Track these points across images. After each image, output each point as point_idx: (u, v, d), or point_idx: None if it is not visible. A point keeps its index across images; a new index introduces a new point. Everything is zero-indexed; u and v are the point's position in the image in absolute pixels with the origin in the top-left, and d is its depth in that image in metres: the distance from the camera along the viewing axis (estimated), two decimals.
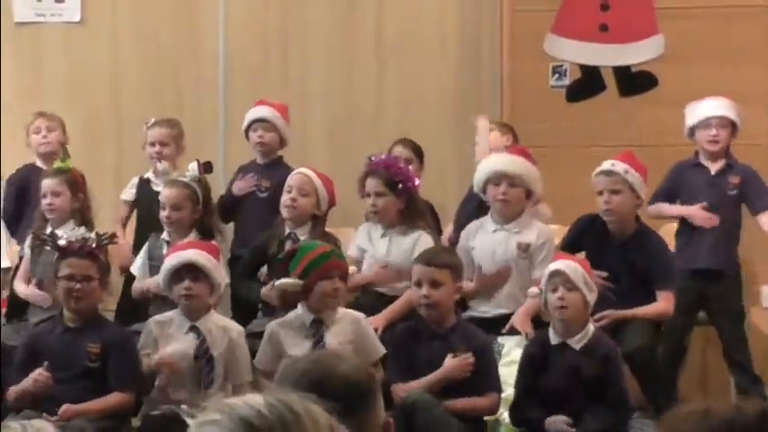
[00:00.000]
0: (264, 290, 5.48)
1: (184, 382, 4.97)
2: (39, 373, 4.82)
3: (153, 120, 6.29)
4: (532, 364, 4.95)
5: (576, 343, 4.91)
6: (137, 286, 5.64)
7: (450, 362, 4.83)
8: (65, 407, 4.77)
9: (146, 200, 6.09)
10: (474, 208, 5.82)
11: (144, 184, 6.21)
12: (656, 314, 5.44)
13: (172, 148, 6.18)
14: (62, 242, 4.99)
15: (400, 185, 5.53)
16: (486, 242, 5.56)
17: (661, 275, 5.44)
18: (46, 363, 4.84)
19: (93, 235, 5.13)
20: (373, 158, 5.75)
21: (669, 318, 5.60)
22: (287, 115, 6.32)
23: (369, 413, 2.29)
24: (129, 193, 6.29)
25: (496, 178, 5.54)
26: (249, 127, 6.27)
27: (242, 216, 6.17)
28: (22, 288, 5.73)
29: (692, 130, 5.93)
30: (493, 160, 5.61)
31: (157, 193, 5.84)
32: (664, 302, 5.44)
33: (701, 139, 5.85)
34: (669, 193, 5.89)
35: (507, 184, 5.52)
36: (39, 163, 6.30)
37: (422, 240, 5.50)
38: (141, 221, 6.17)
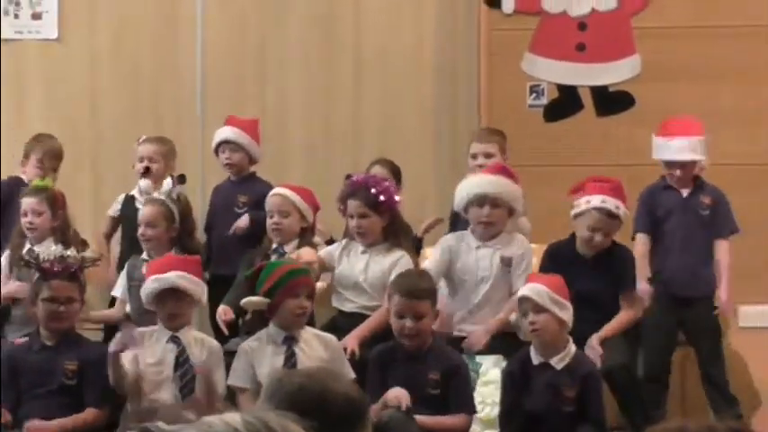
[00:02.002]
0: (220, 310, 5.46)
1: (162, 391, 4.98)
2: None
3: (144, 136, 6.32)
4: (514, 384, 4.98)
5: (558, 363, 4.95)
6: (5, 290, 5.67)
7: (390, 392, 4.82)
8: (29, 424, 4.81)
9: (129, 217, 6.11)
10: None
11: (128, 202, 6.24)
12: (629, 322, 5.52)
13: (160, 165, 6.21)
14: (45, 264, 4.99)
15: (382, 204, 5.56)
16: (470, 258, 5.58)
17: (624, 280, 5.56)
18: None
19: (72, 253, 5.14)
20: (353, 177, 5.78)
21: (650, 342, 5.69)
22: (256, 132, 6.37)
23: None
24: (114, 208, 6.34)
25: (479, 200, 5.57)
26: (218, 148, 6.33)
27: (219, 232, 6.20)
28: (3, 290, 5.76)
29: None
30: (475, 181, 5.63)
31: (138, 210, 5.88)
32: (628, 308, 5.54)
33: (668, 174, 5.88)
34: (650, 221, 5.84)
35: (490, 206, 5.55)
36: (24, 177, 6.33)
37: (401, 263, 5.53)
38: (125, 239, 6.20)
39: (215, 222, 6.27)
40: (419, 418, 4.82)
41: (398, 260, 5.53)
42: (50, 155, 6.31)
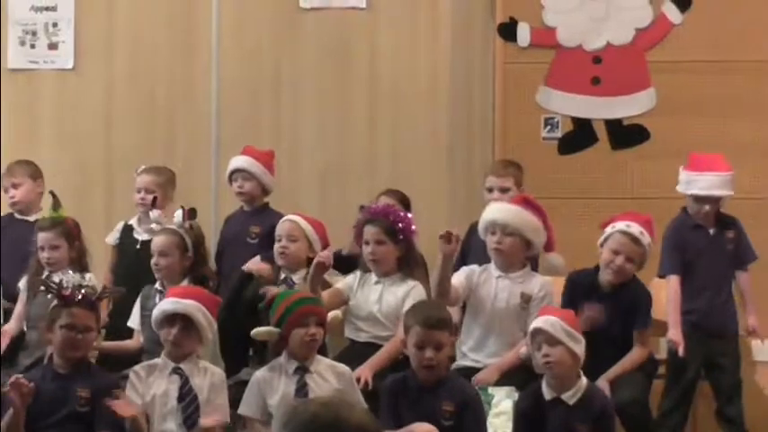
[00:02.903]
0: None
1: (167, 422, 5.00)
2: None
3: (143, 167, 6.38)
4: (527, 421, 4.95)
5: (570, 398, 4.91)
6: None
7: (419, 426, 4.81)
8: None
9: (126, 246, 6.14)
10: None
11: (127, 231, 6.26)
12: (638, 360, 5.50)
13: (159, 196, 6.21)
14: (66, 291, 5.05)
15: (400, 234, 5.59)
16: (489, 287, 5.60)
17: (640, 317, 5.52)
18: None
19: (89, 282, 5.17)
20: (366, 207, 5.82)
21: (680, 377, 5.68)
22: (271, 163, 6.40)
23: None
24: (112, 237, 6.35)
25: (491, 227, 5.60)
26: (231, 176, 6.38)
27: (231, 263, 6.20)
28: (10, 325, 5.80)
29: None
30: (489, 209, 5.67)
31: (137, 241, 5.98)
32: (640, 346, 5.52)
33: (694, 210, 5.81)
34: (680, 265, 5.74)
35: (501, 233, 5.57)
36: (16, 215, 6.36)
37: (414, 292, 5.54)
38: (117, 267, 6.21)
39: (226, 252, 6.29)
40: None
41: (411, 290, 5.55)
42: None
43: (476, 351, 5.59)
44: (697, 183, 5.77)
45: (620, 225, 5.53)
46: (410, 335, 4.95)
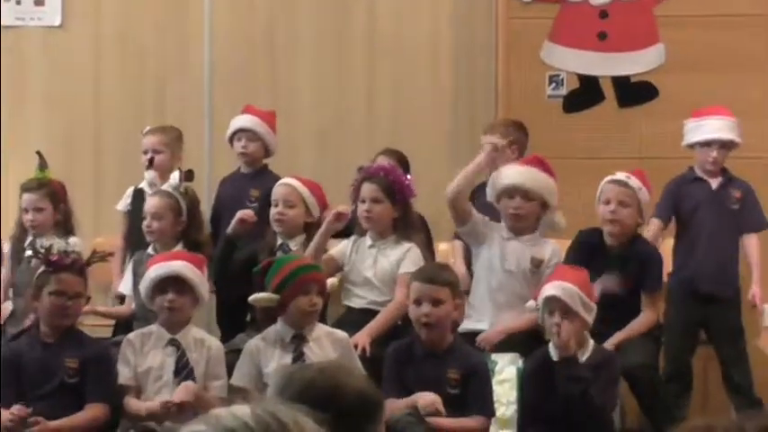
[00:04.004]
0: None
1: (162, 396, 4.95)
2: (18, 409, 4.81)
3: (148, 127, 6.30)
4: (536, 383, 4.96)
5: (578, 358, 4.93)
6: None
7: (422, 395, 4.81)
8: (40, 426, 4.78)
9: (138, 212, 6.08)
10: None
11: (138, 196, 6.18)
12: (647, 324, 5.50)
13: (166, 156, 6.15)
14: (54, 256, 4.99)
15: (398, 194, 5.55)
16: (498, 249, 5.57)
17: (649, 279, 5.53)
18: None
19: (74, 246, 5.13)
20: (365, 167, 5.77)
21: (671, 341, 5.66)
22: (274, 123, 6.33)
23: (375, 430, 2.29)
24: (123, 203, 6.28)
25: (510, 191, 5.56)
26: (233, 136, 6.29)
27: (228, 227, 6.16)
28: None
29: (691, 145, 5.94)
30: (507, 172, 5.60)
31: None
32: (649, 310, 5.52)
33: (701, 158, 5.87)
34: (669, 210, 5.89)
35: (521, 198, 5.54)
36: None
37: (410, 254, 5.51)
38: (131, 234, 6.15)
39: (223, 215, 6.19)
40: (436, 419, 4.79)
41: (407, 252, 5.51)
42: None
43: (481, 313, 5.56)
44: (702, 128, 5.83)
45: (607, 178, 5.56)
46: (410, 292, 4.96)
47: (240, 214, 5.68)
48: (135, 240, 6.02)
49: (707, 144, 5.83)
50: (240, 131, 6.26)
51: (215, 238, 6.07)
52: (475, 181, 5.57)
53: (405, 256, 5.50)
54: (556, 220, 5.70)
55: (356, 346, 5.18)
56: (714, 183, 5.89)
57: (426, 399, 4.79)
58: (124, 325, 5.65)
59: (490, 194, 5.65)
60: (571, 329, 4.88)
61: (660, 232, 5.85)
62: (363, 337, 5.29)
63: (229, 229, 5.72)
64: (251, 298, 5.00)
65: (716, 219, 5.82)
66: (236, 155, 6.32)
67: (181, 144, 6.28)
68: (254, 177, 6.24)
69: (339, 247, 5.69)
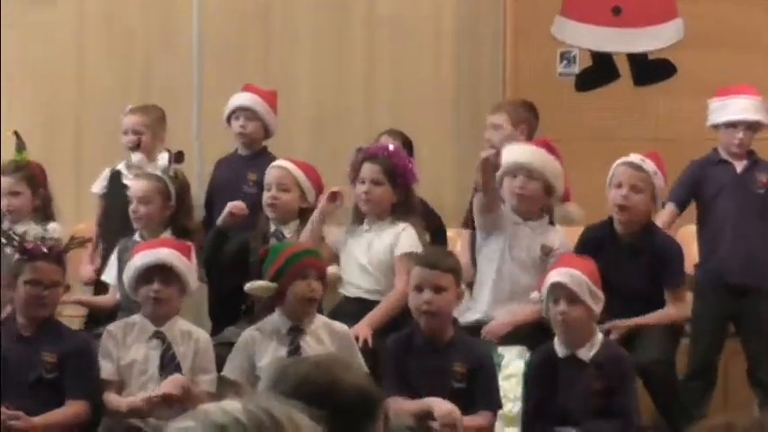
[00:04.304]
0: None
1: (148, 392, 4.92)
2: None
3: (129, 106, 6.27)
4: (541, 380, 4.93)
5: (585, 354, 4.90)
6: None
7: (436, 402, 4.79)
8: (21, 422, 4.75)
9: (115, 196, 6.05)
10: None
11: (115, 178, 6.16)
12: (670, 320, 5.45)
13: (147, 137, 6.11)
14: (29, 244, 4.95)
15: (400, 177, 5.51)
16: (506, 234, 5.55)
17: (672, 275, 5.47)
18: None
19: (53, 233, 5.09)
20: (365, 148, 5.73)
21: (698, 336, 5.64)
22: (275, 103, 6.31)
23: (373, 428, 2.28)
24: (99, 185, 6.24)
25: (513, 170, 5.52)
26: (231, 115, 6.25)
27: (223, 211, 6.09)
28: None
29: (716, 125, 5.90)
30: (510, 151, 5.59)
31: (126, 188, 5.84)
32: (676, 306, 5.47)
33: (726, 140, 5.81)
34: (686, 195, 5.83)
35: (524, 177, 5.51)
36: None
37: (405, 234, 5.46)
38: (106, 218, 6.11)
39: (218, 200, 6.16)
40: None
41: (401, 232, 5.47)
42: None
43: (487, 303, 5.53)
44: (727, 108, 5.77)
45: (619, 161, 5.51)
46: (411, 278, 4.95)
47: (230, 207, 5.64)
48: (111, 226, 5.98)
49: (732, 125, 5.77)
50: (239, 110, 6.23)
51: (208, 223, 6.05)
52: (491, 180, 5.44)
53: (398, 238, 5.46)
54: (572, 214, 5.67)
55: (356, 339, 5.15)
56: (739, 166, 5.83)
57: (443, 408, 4.76)
58: (103, 316, 5.60)
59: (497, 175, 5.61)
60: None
61: (674, 220, 5.80)
62: (364, 328, 5.25)
63: (219, 221, 5.68)
64: (247, 286, 4.98)
65: (740, 204, 5.76)
66: (233, 135, 6.30)
67: (164, 125, 6.23)
68: (253, 160, 6.20)
69: (334, 236, 5.65)
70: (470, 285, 5.62)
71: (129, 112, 6.20)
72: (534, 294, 5.12)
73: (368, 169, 5.51)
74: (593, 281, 4.90)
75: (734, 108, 5.77)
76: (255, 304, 5.19)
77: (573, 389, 4.87)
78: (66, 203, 6.17)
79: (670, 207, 5.77)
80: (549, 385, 4.90)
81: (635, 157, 5.50)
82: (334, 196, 5.46)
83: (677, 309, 5.50)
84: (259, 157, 6.19)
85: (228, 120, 6.26)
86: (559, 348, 4.92)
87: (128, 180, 5.96)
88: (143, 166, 5.87)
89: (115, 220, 5.91)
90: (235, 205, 5.70)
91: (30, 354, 4.92)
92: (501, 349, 5.28)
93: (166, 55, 7.06)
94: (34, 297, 4.92)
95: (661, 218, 5.70)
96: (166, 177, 5.63)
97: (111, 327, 5.08)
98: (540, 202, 5.55)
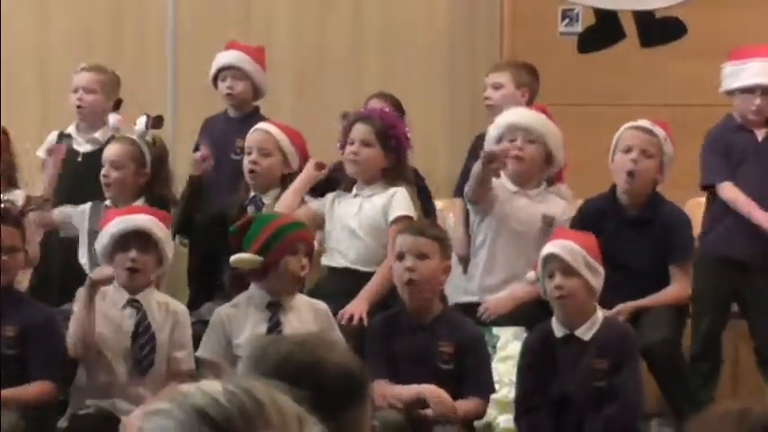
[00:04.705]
0: None
1: (117, 364, 4.95)
2: None
3: (83, 64, 6.22)
4: (536, 361, 4.91)
5: (585, 333, 4.89)
6: None
7: (428, 389, 4.79)
8: None
9: (64, 160, 6.01)
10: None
11: (63, 141, 6.10)
12: (675, 299, 5.45)
13: (99, 97, 6.06)
14: None
15: (392, 140, 5.48)
16: (505, 206, 5.55)
17: (677, 248, 5.47)
18: None
19: (14, 197, 5.08)
20: (352, 113, 5.70)
21: (700, 316, 5.63)
22: (263, 60, 6.29)
23: (359, 411, 2.26)
24: (45, 149, 6.17)
25: (511, 133, 5.50)
26: (217, 75, 6.22)
27: (212, 182, 6.01)
28: None
29: (730, 91, 5.85)
30: (507, 112, 5.60)
31: (77, 153, 5.88)
32: (680, 283, 5.47)
33: (742, 106, 5.75)
34: (729, 166, 5.73)
35: (523, 140, 5.49)
36: None
37: (398, 196, 5.45)
38: (57, 187, 6.03)
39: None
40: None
41: (395, 195, 5.46)
42: None
43: (484, 280, 5.52)
44: (743, 72, 5.74)
45: (627, 125, 5.50)
46: (394, 248, 4.96)
47: (197, 155, 5.65)
48: (60, 193, 5.91)
49: (749, 90, 5.72)
50: (224, 70, 6.21)
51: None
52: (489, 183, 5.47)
53: (391, 200, 5.44)
54: (562, 191, 5.68)
55: (351, 317, 5.16)
56: (760, 134, 5.79)
57: (433, 392, 4.77)
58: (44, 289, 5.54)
59: (488, 142, 5.59)
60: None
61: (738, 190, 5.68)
62: (361, 304, 5.24)
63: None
64: (232, 259, 4.94)
65: (763, 174, 5.72)
66: (214, 98, 6.29)
67: (117, 90, 6.17)
68: (243, 122, 6.18)
69: (321, 200, 5.65)
70: (466, 262, 5.61)
71: (81, 70, 6.16)
72: (531, 274, 5.13)
73: (358, 130, 5.50)
74: (590, 253, 4.89)
75: (750, 72, 5.73)
76: (228, 280, 5.15)
77: (572, 371, 4.86)
78: (30, 170, 6.13)
79: (728, 186, 5.67)
80: (544, 369, 4.89)
81: (644, 122, 5.50)
82: (320, 165, 5.41)
83: (684, 287, 5.50)
84: (250, 120, 6.16)
85: (215, 81, 6.22)
86: (557, 328, 4.91)
87: (78, 145, 5.94)
88: (120, 130, 5.83)
89: (63, 188, 5.85)
90: (201, 154, 5.70)
91: None
92: (496, 330, 5.30)
93: (137, 12, 7.03)
94: None
95: (735, 199, 5.63)
96: (142, 143, 5.61)
97: (81, 290, 5.05)
98: (539, 168, 5.55)
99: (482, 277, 5.54)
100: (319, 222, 5.58)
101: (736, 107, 5.81)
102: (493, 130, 5.59)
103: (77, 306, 4.91)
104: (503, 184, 5.57)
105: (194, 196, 5.68)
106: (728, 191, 5.67)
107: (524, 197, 5.56)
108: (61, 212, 5.71)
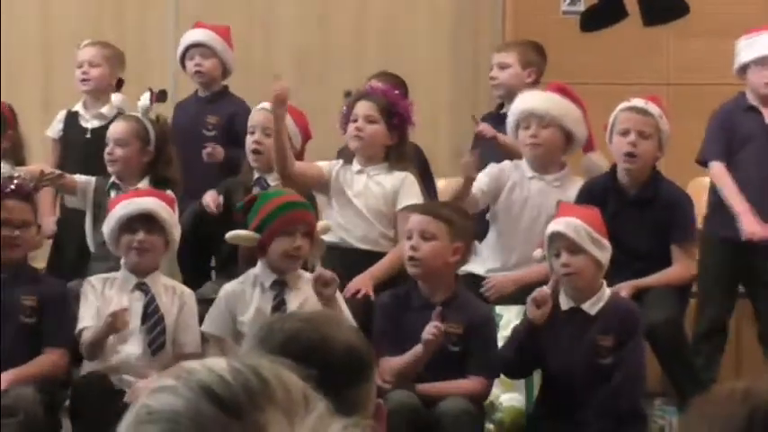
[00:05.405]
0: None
1: (129, 344, 4.99)
2: None
3: (87, 40, 6.22)
4: (536, 333, 4.89)
5: (591, 308, 4.91)
6: None
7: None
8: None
9: (72, 138, 6.03)
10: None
11: (71, 120, 6.12)
12: (677, 279, 5.44)
13: (104, 70, 6.07)
14: None
15: (396, 117, 5.47)
16: (521, 190, 5.54)
17: (679, 228, 5.45)
18: None
19: (24, 174, 5.11)
20: (355, 92, 5.71)
21: (706, 298, 5.63)
22: (230, 39, 6.28)
23: (365, 389, 2.26)
24: (54, 129, 6.20)
25: (525, 119, 5.50)
26: (185, 54, 6.24)
27: (186, 160, 5.97)
28: None
29: (744, 68, 5.75)
30: (519, 99, 5.58)
31: (85, 130, 5.88)
32: (681, 263, 5.46)
33: (756, 80, 5.68)
34: (728, 147, 5.68)
35: (537, 125, 5.48)
36: None
37: (408, 182, 5.43)
38: (64, 163, 6.06)
39: (178, 146, 6.09)
40: (425, 386, 4.78)
41: (404, 180, 5.44)
42: None
43: (495, 263, 5.52)
44: (755, 44, 5.64)
45: (621, 106, 5.46)
46: (405, 228, 4.94)
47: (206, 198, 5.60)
48: (69, 172, 5.92)
49: (761, 62, 5.64)
50: (192, 48, 6.21)
51: None
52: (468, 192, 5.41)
53: (401, 187, 5.42)
54: (594, 160, 5.66)
55: (357, 292, 5.15)
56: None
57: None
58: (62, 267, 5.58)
59: (509, 131, 5.62)
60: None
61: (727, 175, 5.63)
62: (366, 279, 5.23)
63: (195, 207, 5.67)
64: (228, 235, 4.97)
65: (766, 157, 5.67)
66: (189, 75, 6.27)
67: (122, 65, 6.18)
68: (212, 102, 6.19)
69: (329, 162, 5.59)
70: (482, 214, 5.60)
71: (86, 45, 6.16)
72: (537, 252, 5.12)
73: (362, 106, 5.47)
74: (595, 228, 4.89)
75: (762, 44, 5.63)
76: (240, 255, 5.17)
77: (577, 345, 4.87)
78: (34, 149, 6.15)
79: (717, 166, 5.63)
80: (546, 338, 4.86)
81: (638, 101, 5.47)
82: (281, 97, 5.34)
83: (686, 267, 5.49)
84: (219, 98, 6.22)
85: (183, 61, 6.24)
86: (563, 300, 4.92)
87: (86, 122, 5.96)
88: (124, 107, 5.83)
89: (73, 166, 5.87)
90: (209, 197, 5.65)
91: (7, 298, 4.94)
92: (499, 308, 5.29)
93: None
94: (5, 238, 4.92)
95: (720, 181, 5.59)
96: (146, 120, 5.60)
97: (92, 279, 5.09)
98: (558, 151, 5.53)
99: (493, 261, 5.54)
100: (322, 181, 5.55)
101: (749, 83, 5.71)
102: (510, 118, 5.59)
103: (92, 334, 4.94)
104: (520, 167, 5.57)
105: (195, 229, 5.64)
106: (717, 170, 5.64)
107: (541, 182, 5.55)
108: (79, 177, 5.74)
